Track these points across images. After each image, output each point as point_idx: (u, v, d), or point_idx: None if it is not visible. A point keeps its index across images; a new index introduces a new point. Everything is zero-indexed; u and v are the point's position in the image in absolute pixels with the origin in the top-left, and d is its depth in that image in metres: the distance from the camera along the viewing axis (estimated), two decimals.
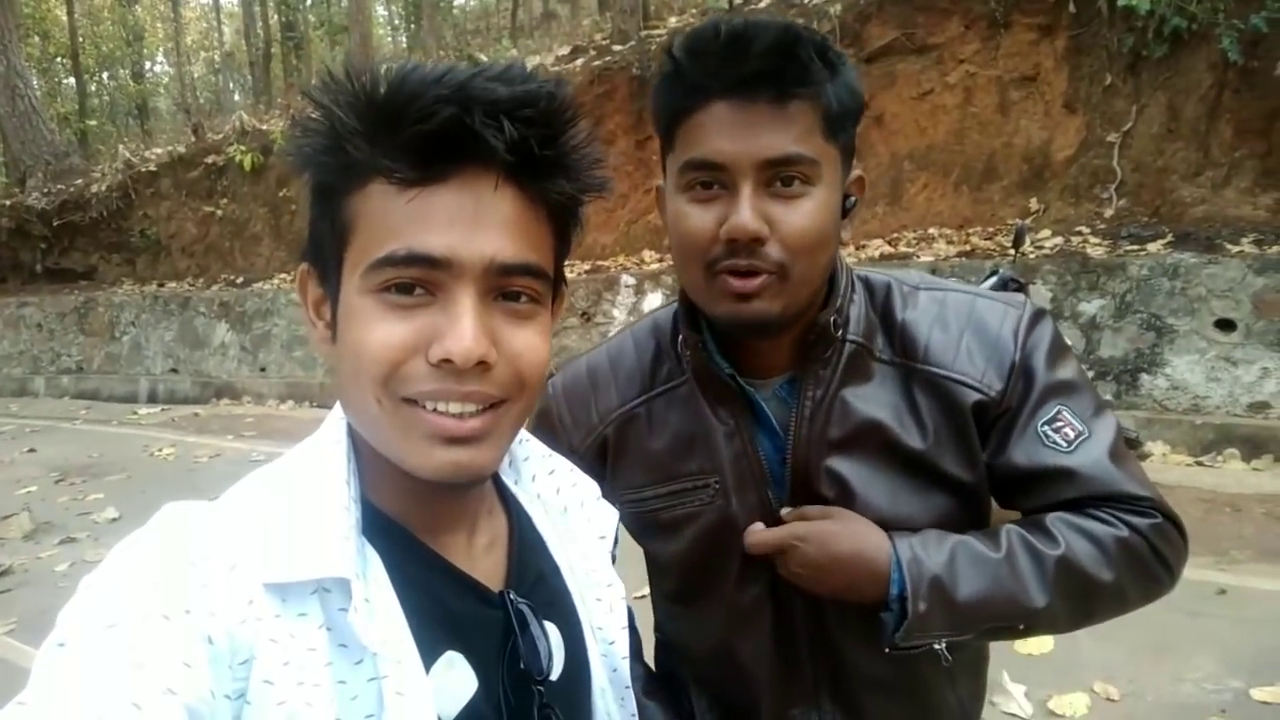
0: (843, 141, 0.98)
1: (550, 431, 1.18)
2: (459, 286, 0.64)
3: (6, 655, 3.84)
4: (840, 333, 1.04)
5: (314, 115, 0.66)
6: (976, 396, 1.02)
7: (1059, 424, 1.02)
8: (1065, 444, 1.01)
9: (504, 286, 0.66)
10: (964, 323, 1.05)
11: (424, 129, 0.62)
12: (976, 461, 1.04)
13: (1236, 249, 5.84)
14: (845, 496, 1.04)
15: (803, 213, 0.94)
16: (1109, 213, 6.93)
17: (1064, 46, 7.15)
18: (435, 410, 0.65)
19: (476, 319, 0.64)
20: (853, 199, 1.04)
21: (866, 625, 1.01)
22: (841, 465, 1.04)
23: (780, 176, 0.94)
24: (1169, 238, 6.27)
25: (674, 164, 1.00)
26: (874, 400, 1.05)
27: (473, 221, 0.64)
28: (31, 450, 8.31)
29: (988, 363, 1.03)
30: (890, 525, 1.01)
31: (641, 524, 1.14)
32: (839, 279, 1.05)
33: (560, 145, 0.67)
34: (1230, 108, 6.50)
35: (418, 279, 0.64)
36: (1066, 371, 1.05)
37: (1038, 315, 1.07)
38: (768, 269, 0.94)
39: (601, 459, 1.15)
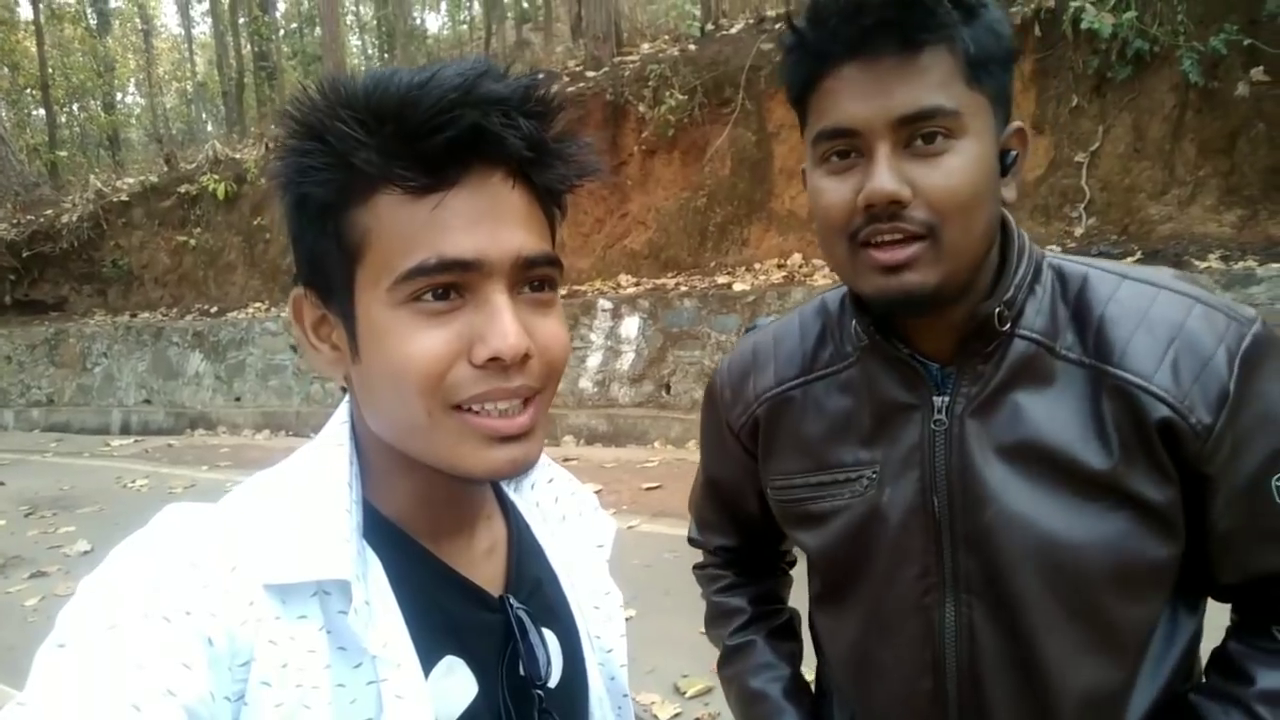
0: (991, 89, 0.87)
1: (713, 408, 1.17)
2: (490, 285, 0.64)
3: None
4: (1008, 326, 0.93)
5: (298, 132, 0.64)
6: (1166, 413, 0.88)
7: None
8: None
9: (527, 279, 0.67)
10: (1175, 329, 0.90)
11: (448, 136, 0.61)
12: (1170, 480, 0.90)
13: (1204, 265, 5.95)
14: (1006, 511, 0.94)
15: (948, 170, 0.85)
16: (1079, 231, 7.05)
17: (1030, 69, 7.30)
18: (484, 412, 0.65)
19: (514, 314, 0.64)
20: (1014, 154, 0.93)
21: (1026, 687, 0.95)
22: (1006, 476, 0.94)
23: (920, 134, 0.85)
24: (1138, 255, 6.38)
25: (808, 139, 0.93)
26: (1053, 407, 0.93)
27: (493, 220, 0.64)
28: (0, 484, 8.16)
29: (1193, 384, 0.88)
30: (1061, 549, 0.92)
31: (789, 514, 1.10)
32: (1014, 263, 0.94)
33: (559, 134, 0.67)
34: (1193, 127, 6.66)
35: (449, 284, 0.63)
36: None
37: (1267, 341, 0.89)
38: (915, 231, 0.85)
39: (754, 439, 1.11)
